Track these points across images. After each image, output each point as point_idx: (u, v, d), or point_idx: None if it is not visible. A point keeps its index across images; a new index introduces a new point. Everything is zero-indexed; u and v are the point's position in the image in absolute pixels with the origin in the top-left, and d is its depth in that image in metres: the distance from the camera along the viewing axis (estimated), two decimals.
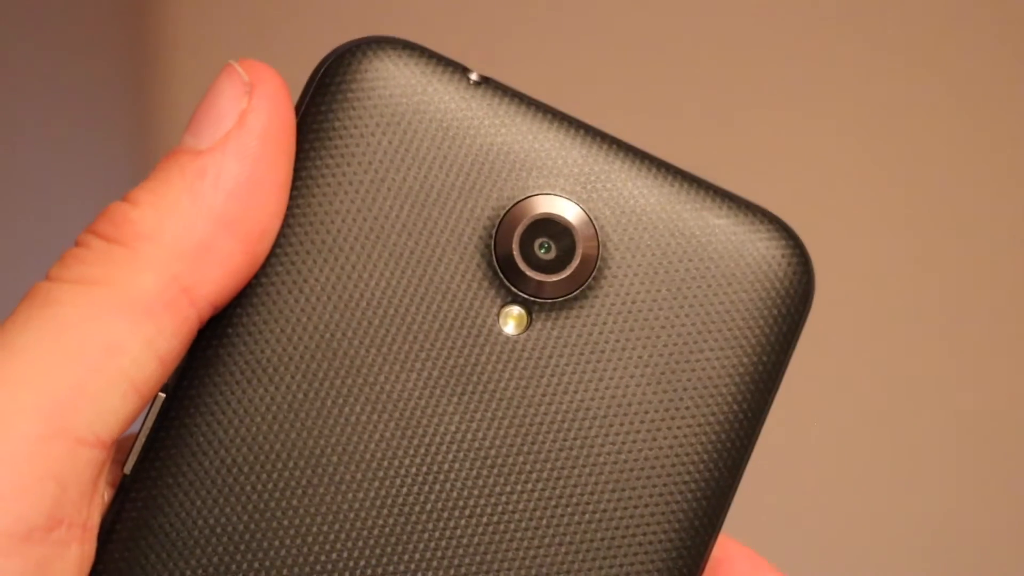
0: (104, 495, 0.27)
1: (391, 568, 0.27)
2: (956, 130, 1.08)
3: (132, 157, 1.08)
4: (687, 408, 0.28)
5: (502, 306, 0.28)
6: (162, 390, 0.27)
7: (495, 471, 0.27)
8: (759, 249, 0.28)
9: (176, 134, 1.11)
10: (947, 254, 1.08)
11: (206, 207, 0.26)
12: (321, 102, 0.28)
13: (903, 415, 1.08)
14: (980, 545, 1.09)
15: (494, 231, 0.28)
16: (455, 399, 0.27)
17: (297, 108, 0.28)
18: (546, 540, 0.27)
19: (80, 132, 1.05)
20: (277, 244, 0.27)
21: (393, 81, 0.28)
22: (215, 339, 0.27)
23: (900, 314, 1.09)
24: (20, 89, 1.01)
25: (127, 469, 0.27)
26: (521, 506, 0.27)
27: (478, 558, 0.27)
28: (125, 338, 0.25)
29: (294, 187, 0.27)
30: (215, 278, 0.26)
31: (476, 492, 0.27)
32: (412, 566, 0.27)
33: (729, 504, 0.28)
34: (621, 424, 0.28)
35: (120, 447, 0.28)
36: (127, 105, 1.09)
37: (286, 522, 0.27)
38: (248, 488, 0.27)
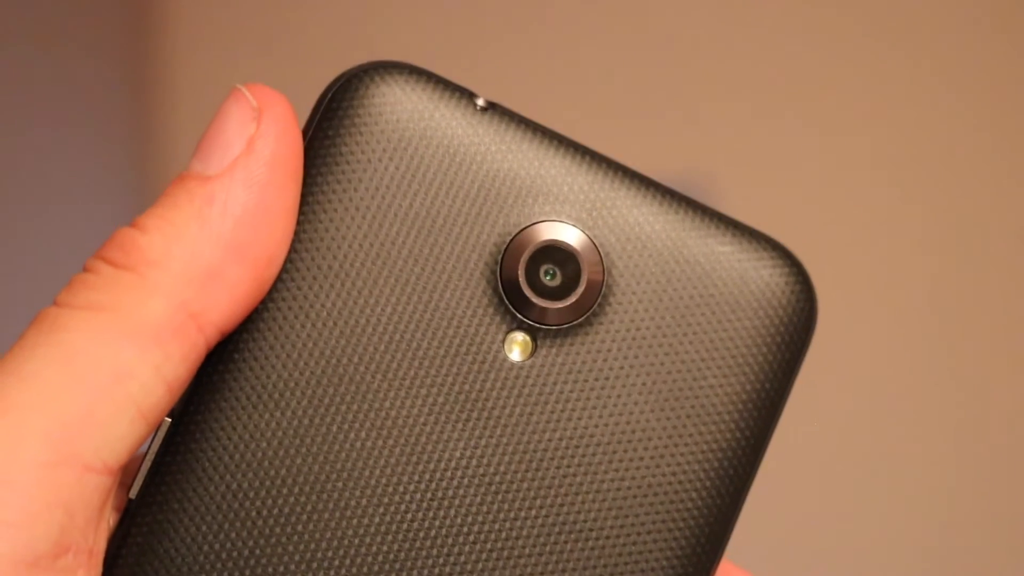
0: (110, 520, 0.27)
1: None
2: (958, 132, 1.08)
3: (130, 158, 1.08)
4: (690, 435, 0.28)
5: (507, 332, 0.28)
6: (168, 415, 0.27)
7: (499, 497, 0.27)
8: (762, 276, 0.28)
9: (175, 136, 1.11)
10: (949, 255, 1.08)
11: (214, 233, 0.26)
12: (328, 127, 0.28)
13: (902, 420, 1.08)
14: (981, 547, 1.09)
15: (500, 257, 0.28)
16: (460, 425, 0.27)
17: (304, 132, 0.28)
18: (549, 567, 0.27)
19: (80, 135, 1.05)
20: (284, 270, 0.27)
21: (400, 106, 0.28)
22: (221, 364, 0.27)
23: (900, 315, 1.09)
24: (20, 91, 1.01)
25: (133, 494, 0.27)
26: (525, 532, 0.27)
27: None
28: (133, 364, 0.26)
29: (301, 212, 0.27)
30: (223, 304, 0.26)
31: (480, 518, 0.27)
32: None
33: (731, 530, 0.28)
34: (625, 451, 0.28)
35: (126, 471, 0.28)
36: (127, 108, 1.09)
37: (291, 547, 0.27)
38: (253, 513, 0.27)
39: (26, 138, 0.99)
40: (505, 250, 0.28)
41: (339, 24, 1.14)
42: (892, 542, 1.08)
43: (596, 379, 0.28)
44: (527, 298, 0.28)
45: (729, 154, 1.11)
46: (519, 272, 0.28)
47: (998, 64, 1.08)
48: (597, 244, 0.28)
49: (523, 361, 0.28)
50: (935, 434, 1.09)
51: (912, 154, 1.10)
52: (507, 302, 0.28)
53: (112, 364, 0.25)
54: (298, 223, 0.27)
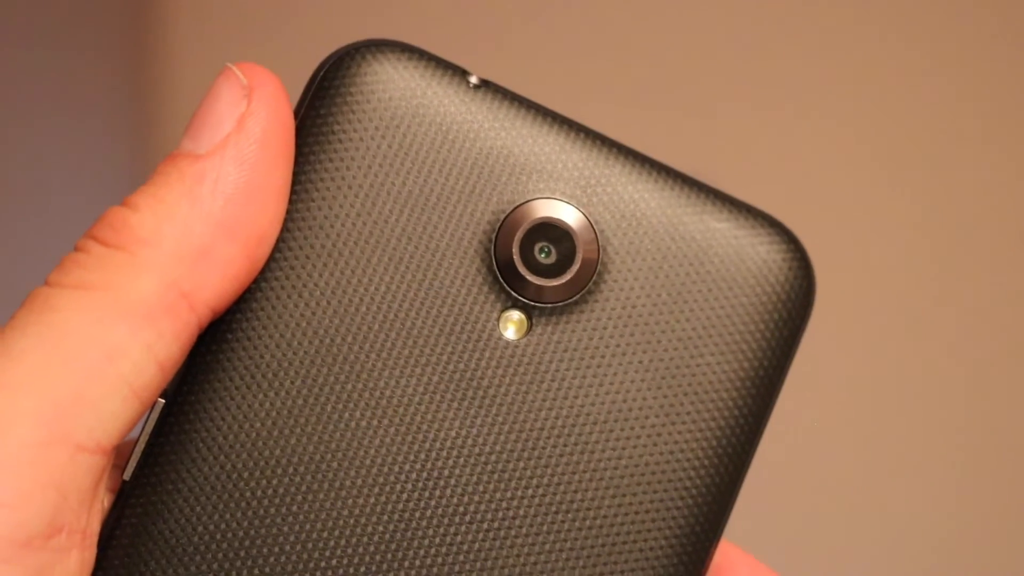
0: (104, 501, 0.27)
1: (392, 574, 0.27)
2: (960, 129, 1.08)
3: (132, 153, 1.08)
4: (687, 413, 0.28)
5: (502, 311, 0.28)
6: (161, 396, 0.27)
7: (495, 477, 0.27)
8: (759, 253, 0.28)
9: (176, 129, 1.10)
10: (950, 254, 1.08)
11: (205, 212, 0.26)
12: (320, 105, 0.27)
13: (903, 416, 1.08)
14: (982, 548, 1.09)
15: (494, 235, 0.28)
16: (455, 405, 0.27)
17: (296, 111, 0.28)
18: (546, 546, 0.27)
19: (80, 128, 1.04)
20: (276, 249, 0.27)
21: (392, 84, 0.28)
22: (215, 344, 0.27)
23: (900, 313, 1.09)
24: (19, 88, 1.01)
25: (127, 475, 0.27)
26: (521, 512, 0.27)
27: (479, 564, 0.27)
28: (125, 343, 0.25)
29: (293, 191, 0.27)
30: (215, 283, 0.26)
31: (476, 498, 0.27)
32: (413, 572, 0.27)
33: (730, 510, 0.28)
34: (621, 429, 0.27)
35: (120, 453, 0.28)
36: (127, 101, 1.09)
37: (286, 528, 0.27)
38: (248, 494, 0.27)
39: (24, 133, 0.99)
40: (499, 228, 0.28)
41: (338, 15, 1.14)
42: (890, 537, 1.08)
43: (592, 357, 0.28)
44: (522, 276, 0.28)
45: (729, 153, 1.11)
46: (513, 250, 0.28)
47: (1002, 61, 1.08)
48: (592, 221, 0.28)
49: (518, 340, 0.28)
50: (937, 429, 1.09)
51: (914, 150, 1.10)
52: (502, 280, 0.28)
53: (103, 343, 0.25)
54: (291, 202, 0.27)
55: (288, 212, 0.27)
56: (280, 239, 0.27)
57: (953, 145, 1.13)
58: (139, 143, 1.09)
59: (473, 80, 0.28)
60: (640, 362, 0.28)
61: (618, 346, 0.28)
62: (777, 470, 1.16)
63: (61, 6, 1.05)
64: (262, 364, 0.27)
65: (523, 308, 0.28)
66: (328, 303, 0.27)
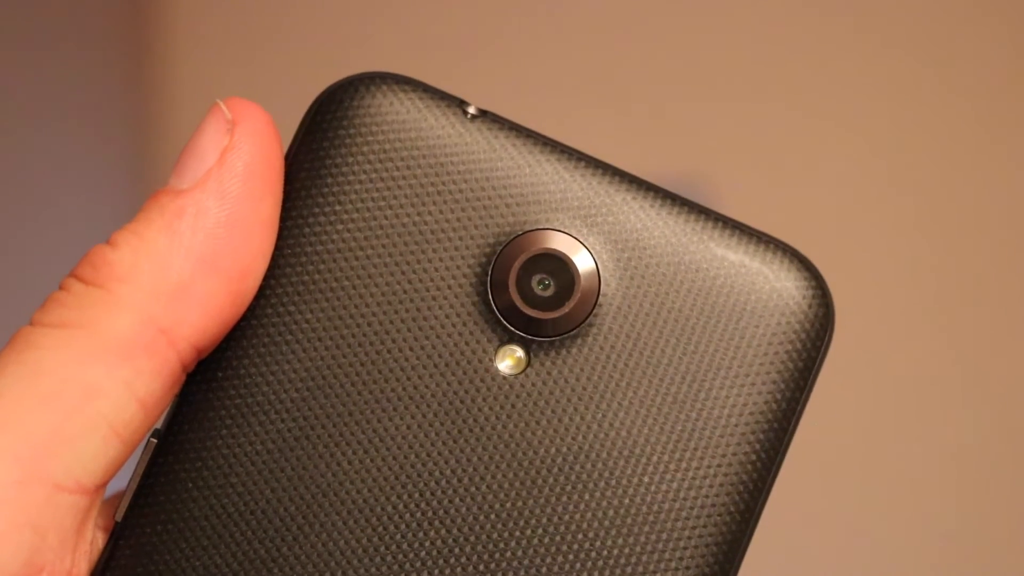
0: (99, 541, 0.27)
1: None
2: (959, 129, 1.06)
3: (132, 153, 1.09)
4: (695, 451, 0.26)
5: (499, 345, 0.27)
6: (153, 435, 0.27)
7: (492, 516, 0.26)
8: (771, 282, 0.27)
9: (176, 138, 1.12)
10: (951, 254, 1.06)
11: (184, 247, 0.26)
12: (313, 139, 0.27)
13: (903, 416, 1.06)
14: (982, 548, 1.05)
15: (491, 268, 0.27)
16: (451, 442, 0.26)
17: (291, 145, 0.27)
18: None
19: (78, 134, 1.06)
20: (267, 284, 0.27)
21: (388, 116, 0.27)
22: (204, 383, 0.27)
23: (900, 313, 1.07)
24: (17, 95, 1.03)
25: (119, 516, 0.27)
26: (520, 552, 0.26)
27: None
28: (102, 381, 0.25)
29: (284, 225, 0.27)
30: (195, 319, 0.26)
31: (473, 538, 0.26)
32: None
33: (743, 551, 0.27)
34: (624, 468, 0.26)
35: (118, 494, 0.27)
36: (125, 107, 1.10)
37: (277, 570, 0.26)
38: (238, 535, 0.26)
39: (23, 137, 1.01)
40: (495, 260, 0.27)
41: (338, 24, 1.15)
42: (904, 546, 1.05)
43: (593, 393, 0.26)
44: (519, 309, 0.27)
45: (728, 155, 1.10)
46: (510, 283, 0.27)
47: (1003, 63, 1.06)
48: (592, 252, 0.27)
49: (516, 375, 0.27)
50: (938, 429, 1.06)
51: (914, 153, 1.08)
52: (498, 314, 0.27)
53: (80, 381, 0.25)
54: (283, 236, 0.27)
55: (278, 246, 0.27)
56: (270, 274, 0.27)
57: (953, 145, 1.10)
58: (139, 145, 1.10)
59: (471, 110, 0.27)
60: (643, 398, 0.26)
61: (620, 381, 0.26)
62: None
63: (61, 9, 1.07)
64: (253, 403, 0.27)
65: (521, 342, 0.27)
66: (320, 339, 0.27)
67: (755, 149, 1.17)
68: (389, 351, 0.27)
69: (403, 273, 0.27)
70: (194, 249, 0.26)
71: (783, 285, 0.27)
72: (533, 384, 0.27)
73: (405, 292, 0.27)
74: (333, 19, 1.18)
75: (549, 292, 0.27)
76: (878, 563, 1.14)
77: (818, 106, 1.18)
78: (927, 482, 1.15)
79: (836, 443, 1.12)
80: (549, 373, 0.27)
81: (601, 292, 0.27)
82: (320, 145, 0.27)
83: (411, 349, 0.27)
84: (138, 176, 1.12)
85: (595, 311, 0.27)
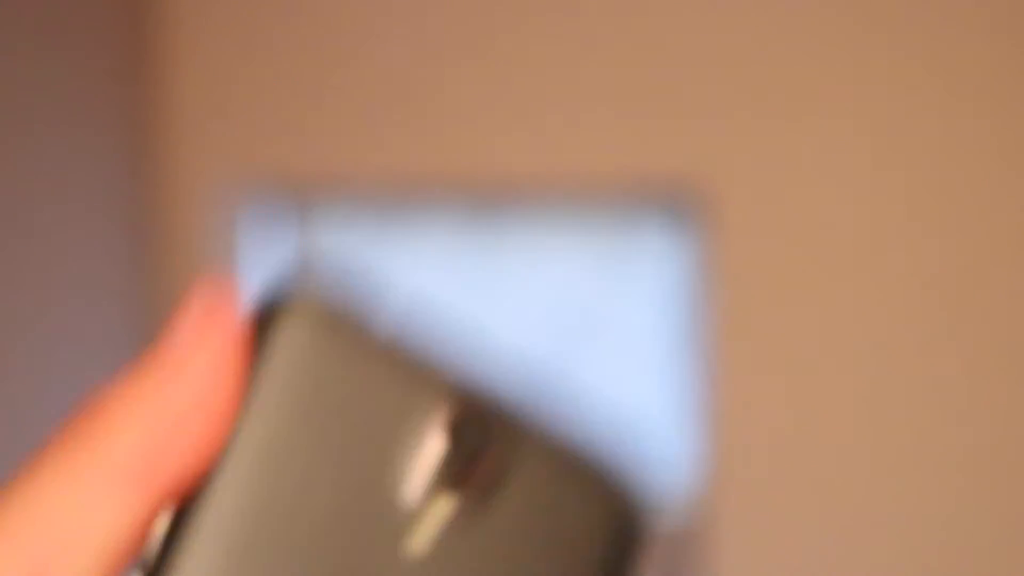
0: None
1: None
2: (960, 129, 1.07)
3: (131, 157, 1.08)
4: None
5: (403, 534, 0.28)
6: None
7: None
8: (578, 507, 0.29)
9: (178, 139, 1.11)
10: (950, 254, 1.07)
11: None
12: (252, 369, 0.29)
13: (903, 416, 1.06)
14: (981, 548, 1.06)
15: (392, 468, 0.28)
16: None
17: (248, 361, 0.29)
18: None
19: (78, 137, 1.05)
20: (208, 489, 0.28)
21: (302, 355, 0.28)
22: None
23: (904, 317, 1.07)
24: (19, 91, 1.02)
25: None
26: None
27: None
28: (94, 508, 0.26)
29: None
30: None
31: None
32: None
33: None
34: None
35: None
36: (125, 108, 1.10)
37: None
38: None
39: (24, 140, 1.01)
40: (395, 460, 0.28)
41: (336, 24, 1.15)
42: (890, 537, 1.06)
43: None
44: (422, 506, 0.28)
45: (728, 155, 1.11)
46: (413, 482, 0.28)
47: (1003, 65, 1.07)
48: (488, 443, 0.29)
49: (423, 558, 0.28)
50: (937, 430, 1.07)
51: (915, 153, 1.09)
52: (398, 506, 0.28)
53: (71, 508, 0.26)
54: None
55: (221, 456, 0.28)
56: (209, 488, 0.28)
57: (954, 145, 1.11)
58: (139, 147, 1.10)
59: (379, 335, 0.28)
60: None
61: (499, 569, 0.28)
62: (778, 471, 1.14)
63: (62, 10, 1.06)
64: None
65: (425, 527, 0.28)
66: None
67: (755, 149, 1.17)
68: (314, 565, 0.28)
69: (321, 499, 0.28)
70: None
71: (588, 509, 0.29)
72: (439, 567, 0.29)
73: (324, 517, 0.28)
74: (334, 16, 1.18)
75: (447, 484, 0.29)
76: (878, 563, 1.14)
77: (818, 106, 1.18)
78: (927, 482, 1.15)
79: (836, 443, 1.12)
80: (449, 557, 0.29)
81: (495, 482, 0.29)
82: (255, 376, 0.29)
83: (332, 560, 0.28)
84: (137, 176, 1.12)
85: (489, 498, 0.29)
